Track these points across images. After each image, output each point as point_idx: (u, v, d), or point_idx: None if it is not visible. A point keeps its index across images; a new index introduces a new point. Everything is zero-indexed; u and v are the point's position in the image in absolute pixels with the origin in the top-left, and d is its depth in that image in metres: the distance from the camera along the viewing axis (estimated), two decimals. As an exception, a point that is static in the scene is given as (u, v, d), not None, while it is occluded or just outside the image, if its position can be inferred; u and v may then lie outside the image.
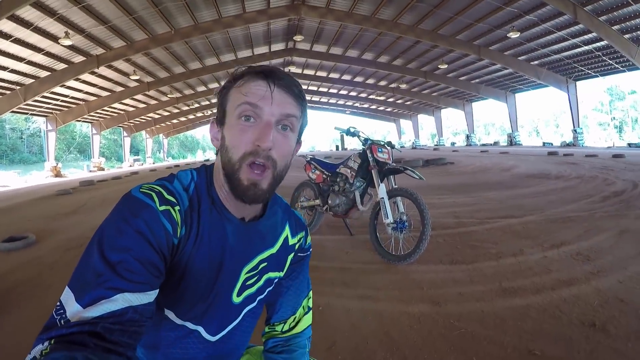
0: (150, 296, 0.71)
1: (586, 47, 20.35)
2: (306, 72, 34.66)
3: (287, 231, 1.06)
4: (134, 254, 0.69)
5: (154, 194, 0.78)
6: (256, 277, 0.97)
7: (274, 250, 1.00)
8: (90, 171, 29.36)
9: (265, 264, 0.98)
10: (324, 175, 4.82)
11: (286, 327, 1.12)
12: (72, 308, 0.63)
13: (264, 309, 1.12)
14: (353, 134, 4.49)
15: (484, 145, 36.82)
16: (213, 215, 0.87)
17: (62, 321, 0.62)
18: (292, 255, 1.08)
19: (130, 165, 35.00)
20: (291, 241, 1.07)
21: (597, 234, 4.31)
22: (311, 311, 1.19)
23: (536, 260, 3.60)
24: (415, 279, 3.34)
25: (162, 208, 0.76)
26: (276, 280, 1.05)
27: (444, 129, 45.84)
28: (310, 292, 1.19)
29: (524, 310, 2.59)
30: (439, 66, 26.37)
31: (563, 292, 2.85)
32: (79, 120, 30.39)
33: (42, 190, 12.87)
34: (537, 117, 68.25)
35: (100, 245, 0.69)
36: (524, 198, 6.83)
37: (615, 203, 5.87)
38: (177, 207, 0.80)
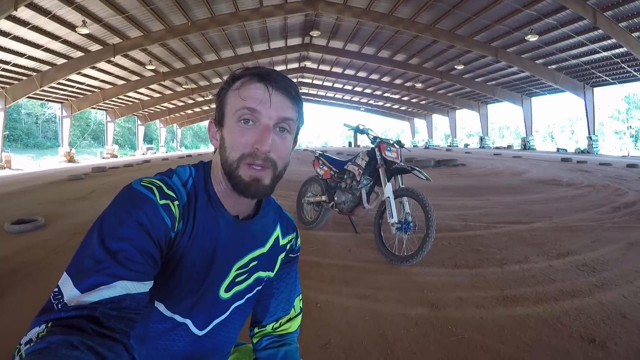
0: (146, 286, 0.72)
1: (605, 53, 20.02)
2: (322, 67, 34.63)
3: (277, 231, 1.07)
4: (134, 243, 0.70)
5: (154, 188, 0.79)
6: (246, 275, 0.98)
7: (264, 249, 1.01)
8: (104, 158, 29.67)
9: (256, 262, 0.99)
10: (332, 172, 4.82)
11: (277, 326, 1.13)
12: (70, 292, 0.64)
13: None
14: (362, 132, 4.47)
15: (497, 148, 36.47)
16: (209, 211, 0.88)
17: (59, 305, 0.63)
18: (282, 255, 1.09)
19: (143, 154, 35.30)
20: (282, 242, 1.08)
21: (605, 245, 4.24)
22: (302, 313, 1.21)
23: (541, 268, 3.55)
24: (416, 281, 3.31)
25: (162, 202, 0.78)
26: (266, 279, 1.06)
27: (458, 130, 45.59)
28: (300, 294, 1.20)
29: (524, 320, 2.55)
30: (456, 67, 26.16)
31: (565, 303, 2.81)
32: (94, 108, 30.65)
33: (54, 175, 13.05)
34: (553, 122, 67.34)
35: (100, 234, 0.71)
36: (533, 204, 6.75)
37: (626, 214, 5.76)
38: (176, 202, 0.81)
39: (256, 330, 1.15)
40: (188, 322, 0.90)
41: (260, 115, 0.83)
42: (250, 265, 0.98)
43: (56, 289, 0.66)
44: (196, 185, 0.89)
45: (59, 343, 0.54)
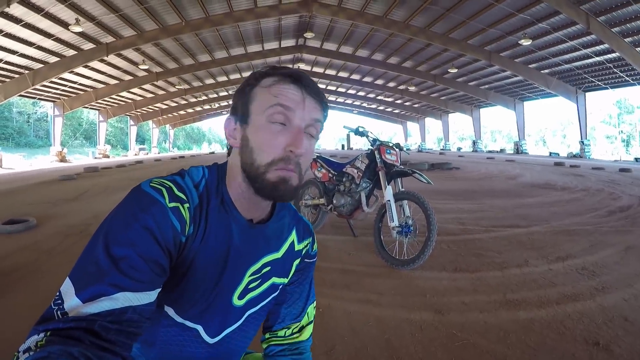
0: (151, 296, 0.69)
1: (597, 58, 20.24)
2: (315, 69, 34.63)
3: (293, 236, 1.03)
4: (139, 250, 0.68)
5: (164, 190, 0.76)
6: (259, 281, 0.94)
7: (278, 255, 0.98)
8: (95, 158, 29.45)
9: (269, 268, 0.95)
10: (330, 174, 4.77)
11: (289, 333, 1.09)
12: (71, 301, 0.62)
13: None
14: (362, 134, 4.43)
15: (490, 152, 36.73)
16: (221, 213, 0.85)
17: (59, 313, 0.61)
18: (297, 261, 1.06)
19: (136, 154, 35.11)
20: (297, 247, 1.04)
21: (603, 248, 4.26)
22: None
23: (541, 272, 3.55)
24: (418, 285, 3.29)
25: (171, 205, 0.75)
26: (281, 286, 1.02)
27: (450, 133, 45.85)
28: (315, 302, 1.16)
29: (528, 324, 2.54)
30: (449, 70, 26.31)
31: (567, 307, 2.81)
32: (86, 107, 30.40)
33: (46, 175, 12.92)
34: (545, 127, 67.95)
35: (105, 239, 0.68)
36: (529, 208, 6.78)
37: (621, 218, 5.80)
38: (186, 205, 0.78)
39: (267, 335, 1.10)
40: (199, 327, 0.87)
41: (293, 116, 0.81)
42: (264, 271, 0.94)
43: (58, 294, 0.64)
44: (209, 187, 0.86)
45: (59, 353, 0.53)
